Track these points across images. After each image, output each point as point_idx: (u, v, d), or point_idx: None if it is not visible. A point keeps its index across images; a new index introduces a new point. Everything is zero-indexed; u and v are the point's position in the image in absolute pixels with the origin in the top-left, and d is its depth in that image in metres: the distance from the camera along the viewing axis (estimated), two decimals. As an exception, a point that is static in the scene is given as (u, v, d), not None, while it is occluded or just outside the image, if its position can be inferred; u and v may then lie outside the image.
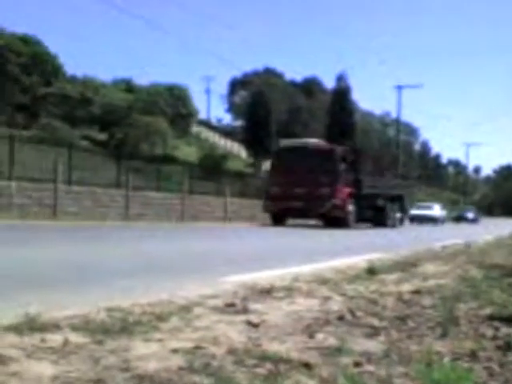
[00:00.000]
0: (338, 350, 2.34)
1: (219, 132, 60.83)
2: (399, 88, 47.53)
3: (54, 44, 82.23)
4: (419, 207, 38.84)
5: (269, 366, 2.13)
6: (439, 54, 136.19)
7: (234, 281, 4.15)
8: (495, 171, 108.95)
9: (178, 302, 3.20)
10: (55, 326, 2.47)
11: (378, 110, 77.31)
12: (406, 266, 5.44)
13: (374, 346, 2.45)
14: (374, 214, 22.29)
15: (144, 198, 20.87)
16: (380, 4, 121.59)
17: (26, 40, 36.46)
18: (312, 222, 21.14)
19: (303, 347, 2.40)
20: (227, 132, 61.76)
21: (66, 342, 2.26)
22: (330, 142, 22.17)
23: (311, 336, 2.58)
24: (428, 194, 64.53)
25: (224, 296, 3.48)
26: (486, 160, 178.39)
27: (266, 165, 32.89)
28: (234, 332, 2.61)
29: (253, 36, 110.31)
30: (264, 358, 2.21)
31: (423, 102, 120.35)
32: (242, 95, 66.44)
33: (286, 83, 64.02)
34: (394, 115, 59.27)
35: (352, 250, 8.26)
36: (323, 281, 4.15)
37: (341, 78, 53.07)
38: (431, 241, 11.54)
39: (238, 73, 68.71)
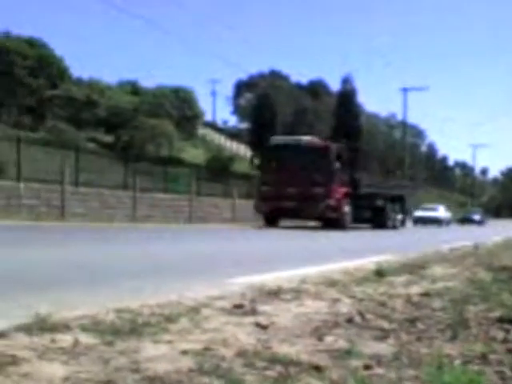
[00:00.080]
0: (348, 353, 2.33)
1: (225, 134, 60.90)
2: (405, 90, 47.56)
3: (60, 46, 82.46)
4: (423, 209, 38.50)
5: (279, 368, 2.12)
6: (443, 55, 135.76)
7: (241, 282, 4.15)
8: (502, 173, 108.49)
9: (187, 303, 3.20)
10: (65, 327, 2.48)
11: (383, 112, 77.25)
12: (414, 268, 5.42)
13: (384, 348, 2.44)
14: (373, 215, 21.52)
15: (151, 200, 20.88)
16: (383, 6, 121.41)
17: (31, 43, 36.69)
18: (312, 223, 20.43)
19: (313, 350, 2.39)
20: (233, 134, 61.83)
21: (76, 343, 2.26)
22: (333, 142, 21.38)
23: (320, 338, 2.57)
24: (436, 197, 64.27)
25: (231, 297, 3.48)
26: (492, 161, 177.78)
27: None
28: (242, 334, 2.61)
29: (258, 38, 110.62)
30: (274, 360, 2.20)
31: (429, 104, 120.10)
32: (247, 97, 66.57)
33: (291, 85, 64.09)
34: (399, 117, 59.29)
35: (357, 252, 8.24)
36: (331, 283, 4.15)
37: (346, 81, 53.13)
38: (437, 243, 11.43)
39: (243, 75, 68.84)
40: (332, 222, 18.58)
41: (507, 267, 5.49)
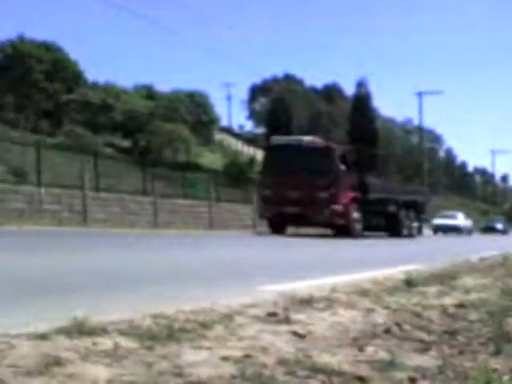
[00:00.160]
0: (391, 365, 2.32)
1: (241, 139, 60.96)
2: (420, 94, 47.19)
3: (74, 50, 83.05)
4: (442, 216, 37.89)
5: (321, 377, 2.12)
6: (458, 57, 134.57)
7: (271, 290, 4.15)
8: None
9: (220, 310, 3.21)
10: (103, 331, 2.50)
11: (399, 117, 76.82)
12: (444, 278, 5.39)
13: (427, 361, 2.43)
14: (386, 222, 20.20)
15: (172, 206, 20.85)
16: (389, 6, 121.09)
17: (46, 46, 36.85)
18: (326, 230, 19.27)
19: (354, 360, 2.39)
20: (249, 139, 61.88)
21: (116, 346, 2.28)
22: (340, 144, 20.20)
23: (360, 349, 2.56)
24: (457, 204, 63.18)
25: (264, 305, 3.48)
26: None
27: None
28: (280, 342, 2.61)
29: (269, 41, 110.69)
30: (315, 369, 2.20)
31: (445, 108, 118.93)
32: (262, 102, 66.65)
33: (306, 89, 64.05)
34: (415, 122, 58.98)
35: (379, 262, 8.19)
36: (362, 292, 4.14)
37: (361, 84, 52.82)
38: (461, 252, 11.18)
39: (257, 79, 68.89)
40: (340, 229, 17.55)
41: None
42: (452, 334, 2.95)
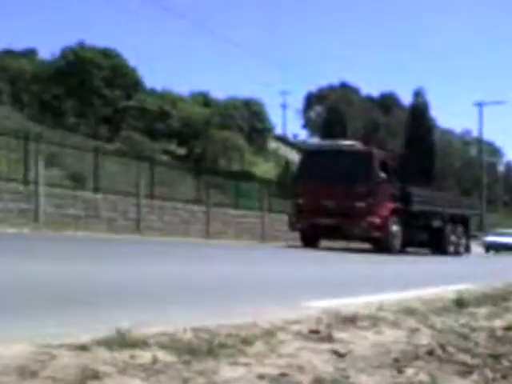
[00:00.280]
0: (430, 388, 2.27)
1: (296, 148, 60.88)
2: (480, 105, 45.99)
3: (133, 57, 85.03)
4: (496, 234, 35.07)
5: (358, 399, 2.10)
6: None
7: (316, 306, 4.12)
8: None
9: (262, 326, 3.21)
10: (144, 343, 2.53)
11: (457, 128, 75.05)
12: (497, 299, 5.24)
13: (468, 385, 2.37)
14: (430, 238, 18.51)
15: (224, 216, 20.72)
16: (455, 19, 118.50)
17: (106, 53, 37.74)
18: (364, 244, 18.20)
19: (392, 382, 2.35)
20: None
21: (154, 361, 2.30)
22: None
23: (400, 371, 2.52)
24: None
25: (307, 322, 3.45)
26: None
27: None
28: (319, 361, 2.59)
29: (328, 50, 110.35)
30: (353, 390, 2.18)
31: (505, 119, 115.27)
32: (317, 110, 66.42)
33: (362, 98, 63.44)
34: (474, 133, 57.49)
35: (424, 280, 8.03)
36: (409, 311, 4.05)
37: (418, 94, 51.88)
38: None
39: (313, 87, 68.76)
40: (377, 244, 16.33)
41: None
42: (497, 357, 2.86)
